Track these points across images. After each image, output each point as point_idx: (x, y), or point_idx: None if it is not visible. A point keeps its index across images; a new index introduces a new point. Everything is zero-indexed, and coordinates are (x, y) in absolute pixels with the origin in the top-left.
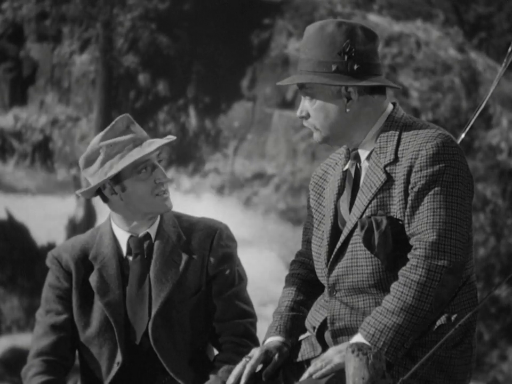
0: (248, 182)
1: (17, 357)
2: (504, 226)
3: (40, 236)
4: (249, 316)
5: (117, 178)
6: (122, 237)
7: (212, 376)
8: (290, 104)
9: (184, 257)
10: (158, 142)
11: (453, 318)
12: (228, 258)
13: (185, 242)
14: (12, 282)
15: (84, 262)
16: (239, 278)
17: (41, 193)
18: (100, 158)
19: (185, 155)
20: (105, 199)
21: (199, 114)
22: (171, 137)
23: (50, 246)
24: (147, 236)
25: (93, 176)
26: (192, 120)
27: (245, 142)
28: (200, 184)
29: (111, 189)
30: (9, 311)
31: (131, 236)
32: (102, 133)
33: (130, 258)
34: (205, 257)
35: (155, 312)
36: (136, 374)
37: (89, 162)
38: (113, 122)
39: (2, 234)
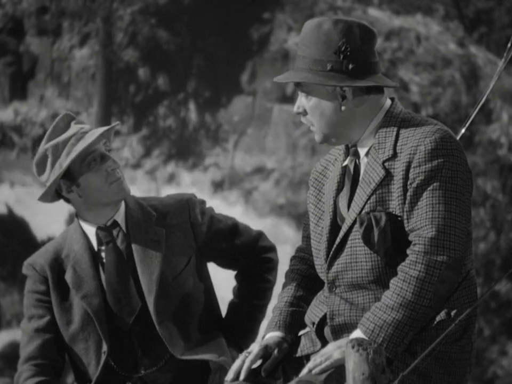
0: (248, 177)
1: (17, 352)
2: (504, 221)
3: (40, 230)
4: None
5: (69, 176)
6: (91, 231)
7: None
8: (290, 99)
9: (162, 232)
10: (100, 131)
11: (452, 313)
12: (210, 215)
13: (157, 218)
14: (12, 277)
15: (58, 262)
16: (231, 222)
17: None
18: (49, 160)
19: (185, 149)
20: (66, 200)
21: (199, 108)
22: (115, 124)
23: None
24: (115, 223)
25: (48, 181)
26: (192, 114)
27: (245, 137)
28: (200, 179)
29: (67, 187)
30: (9, 305)
31: (98, 227)
32: (46, 136)
33: (103, 248)
34: (186, 223)
35: (155, 296)
36: (127, 362)
37: (41, 168)
38: (54, 123)
39: (2, 228)
